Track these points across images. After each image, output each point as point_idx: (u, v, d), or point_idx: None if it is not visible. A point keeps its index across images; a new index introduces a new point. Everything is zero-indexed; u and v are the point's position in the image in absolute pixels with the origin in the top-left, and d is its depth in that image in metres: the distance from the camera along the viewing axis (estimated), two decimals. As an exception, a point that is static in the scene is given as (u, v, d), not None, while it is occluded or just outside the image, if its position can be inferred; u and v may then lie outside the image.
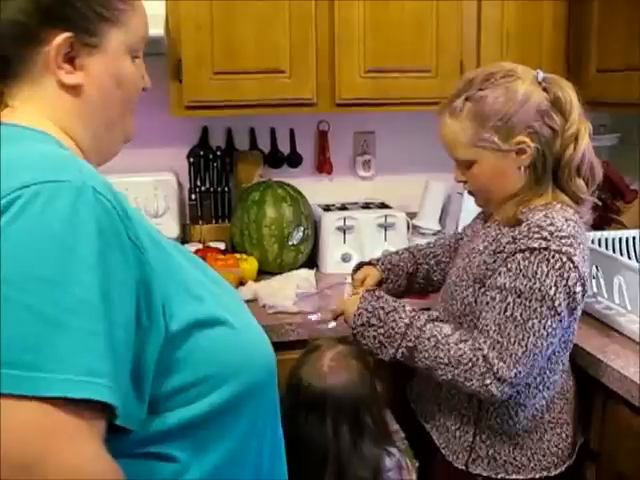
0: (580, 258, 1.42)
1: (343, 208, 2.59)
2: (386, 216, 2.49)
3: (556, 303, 1.40)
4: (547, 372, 1.55)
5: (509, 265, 1.45)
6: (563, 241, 1.41)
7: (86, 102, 1.02)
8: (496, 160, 1.50)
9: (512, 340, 1.42)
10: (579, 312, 1.50)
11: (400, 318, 1.54)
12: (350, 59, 2.26)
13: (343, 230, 2.47)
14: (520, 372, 1.42)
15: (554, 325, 1.41)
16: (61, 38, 0.95)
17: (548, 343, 1.42)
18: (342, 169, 2.75)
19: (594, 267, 1.92)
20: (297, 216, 2.39)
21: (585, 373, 1.73)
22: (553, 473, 1.59)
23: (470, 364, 1.44)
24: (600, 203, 2.32)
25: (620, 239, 2.09)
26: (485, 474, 1.58)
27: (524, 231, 1.45)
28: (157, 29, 2.06)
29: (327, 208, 2.58)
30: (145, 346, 0.89)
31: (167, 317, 0.92)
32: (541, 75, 1.50)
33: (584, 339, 1.78)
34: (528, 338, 1.41)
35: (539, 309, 1.40)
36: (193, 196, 2.58)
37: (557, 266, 1.39)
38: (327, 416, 1.51)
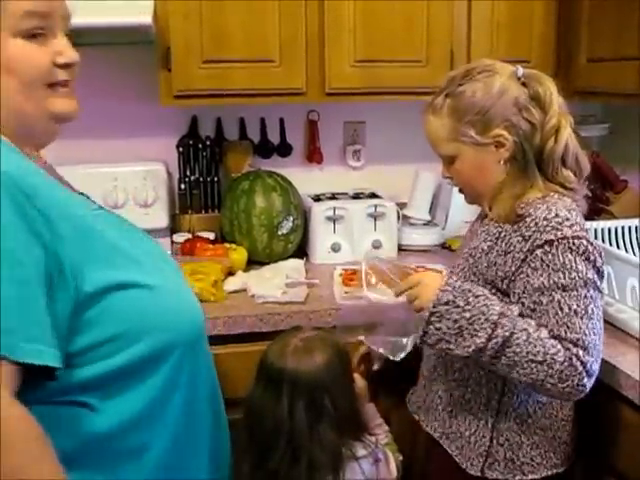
0: (593, 240, 1.44)
1: (333, 198, 2.58)
2: (376, 206, 2.49)
3: (597, 283, 1.42)
4: None
5: (532, 264, 1.43)
6: (574, 227, 1.42)
7: None
8: (475, 154, 1.52)
9: (587, 332, 1.39)
10: None
11: (492, 305, 1.42)
12: (340, 48, 2.25)
13: (333, 220, 2.46)
14: (599, 360, 1.42)
15: (600, 304, 1.43)
16: None
17: (601, 324, 1.43)
18: (332, 159, 2.74)
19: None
20: (287, 206, 2.38)
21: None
22: (560, 469, 1.58)
23: (566, 363, 1.38)
24: (590, 194, 2.34)
25: (610, 229, 2.09)
26: (502, 477, 1.55)
27: (533, 227, 1.44)
28: (145, 17, 2.04)
29: (317, 198, 2.57)
30: (57, 304, 1.01)
31: (78, 280, 1.04)
32: (521, 71, 1.51)
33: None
34: (597, 324, 1.41)
35: (588, 294, 1.40)
36: (182, 186, 2.57)
37: (581, 250, 1.40)
38: (283, 393, 1.51)
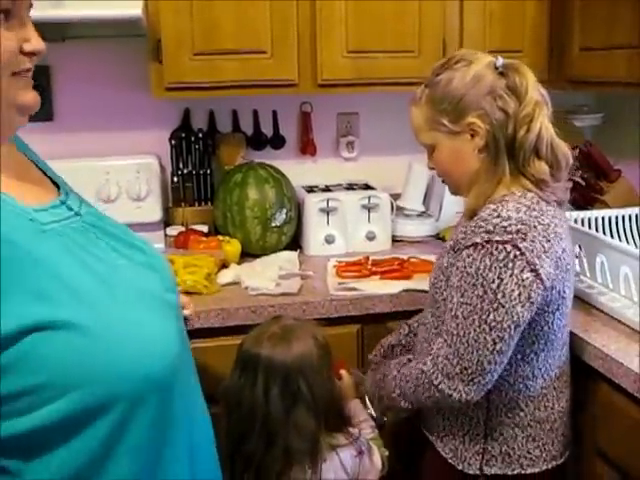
0: (530, 244, 1.39)
1: (326, 189, 2.58)
2: (370, 197, 2.48)
3: (499, 295, 1.38)
4: (555, 361, 1.55)
5: (458, 263, 1.46)
6: (509, 229, 1.40)
7: None
8: (451, 143, 1.54)
9: (454, 338, 1.43)
10: (551, 299, 1.46)
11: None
12: (332, 39, 2.24)
13: (326, 212, 2.45)
14: (468, 368, 1.42)
15: (498, 318, 1.39)
16: None
17: (495, 336, 1.40)
18: (326, 150, 2.74)
19: (577, 246, 1.92)
20: (280, 198, 2.37)
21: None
22: (560, 461, 1.59)
23: (420, 375, 1.50)
24: (582, 182, 2.35)
25: (603, 218, 2.09)
26: (501, 472, 1.56)
27: (472, 226, 1.47)
28: (136, 10, 2.04)
29: (310, 189, 2.56)
30: None
31: None
32: (500, 61, 1.51)
33: (566, 318, 1.79)
34: (469, 334, 1.41)
35: (479, 305, 1.40)
36: (175, 179, 2.56)
37: (501, 257, 1.39)
38: (259, 379, 1.53)
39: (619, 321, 1.76)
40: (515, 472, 1.56)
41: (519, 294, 1.39)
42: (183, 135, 2.55)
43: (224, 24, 2.15)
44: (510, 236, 1.39)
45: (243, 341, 1.60)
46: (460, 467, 1.58)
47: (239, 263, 2.30)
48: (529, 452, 1.56)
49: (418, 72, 2.23)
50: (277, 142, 2.67)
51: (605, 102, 2.69)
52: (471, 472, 1.57)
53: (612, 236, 2.05)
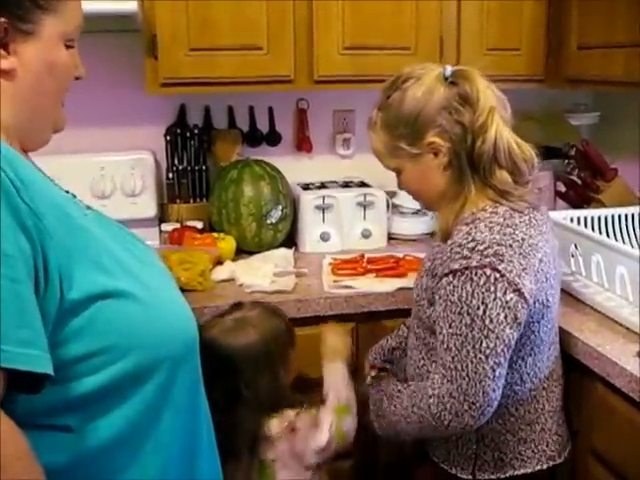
0: (508, 264, 1.37)
1: (322, 187, 2.57)
2: (365, 195, 2.47)
3: (487, 321, 1.36)
4: (544, 364, 1.54)
5: (440, 291, 1.43)
6: (485, 252, 1.37)
7: (19, 87, 1.04)
8: (415, 166, 1.50)
9: (454, 374, 1.39)
10: (534, 311, 1.44)
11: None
12: (328, 35, 2.23)
13: (322, 209, 2.45)
14: (475, 402, 1.39)
15: (491, 345, 1.37)
16: None
17: (493, 363, 1.38)
18: (322, 147, 2.73)
19: (572, 245, 1.92)
20: (275, 195, 2.36)
21: (562, 351, 1.72)
22: (559, 461, 1.59)
23: (425, 416, 1.45)
24: (580, 181, 2.34)
25: (599, 217, 2.09)
26: (494, 477, 1.55)
27: (447, 252, 1.43)
28: (131, 4, 2.03)
29: (306, 187, 2.55)
30: (41, 308, 0.92)
31: (64, 284, 0.95)
32: (449, 70, 1.46)
33: (561, 317, 1.77)
34: (467, 367, 1.38)
35: (470, 334, 1.37)
36: (170, 175, 2.55)
37: (482, 282, 1.36)
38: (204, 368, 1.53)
39: (615, 321, 1.75)
40: (507, 474, 1.55)
41: (505, 316, 1.36)
42: (178, 131, 2.54)
43: (220, 20, 2.14)
44: (488, 260, 1.36)
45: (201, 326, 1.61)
46: (453, 471, 1.57)
47: (234, 260, 2.29)
48: (520, 454, 1.55)
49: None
50: (273, 139, 2.65)
51: (602, 101, 2.68)
52: (464, 476, 1.56)
53: (608, 235, 2.04)
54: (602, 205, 2.30)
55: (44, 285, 0.93)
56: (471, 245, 1.39)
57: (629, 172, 2.45)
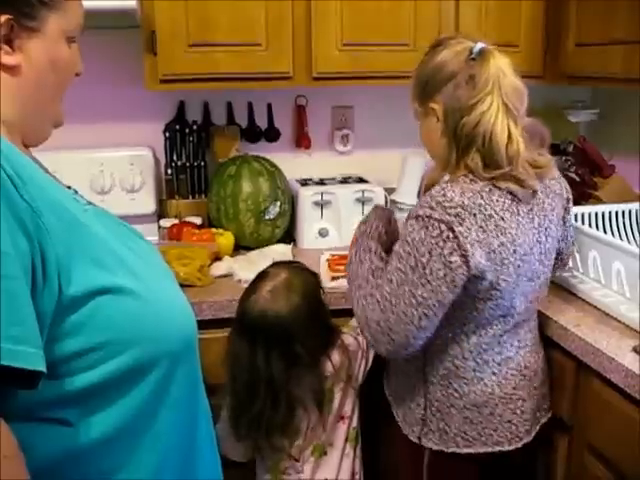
0: (465, 229, 1.41)
1: (321, 183, 2.57)
2: (364, 191, 2.48)
3: (426, 271, 1.42)
4: (494, 348, 1.56)
5: (403, 230, 1.50)
6: (449, 211, 1.42)
7: (22, 83, 1.05)
8: (424, 123, 1.59)
9: (387, 305, 1.46)
10: (480, 289, 1.47)
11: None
12: (327, 32, 2.23)
13: (320, 205, 2.45)
14: (394, 340, 1.46)
15: (425, 295, 1.43)
16: (2, 20, 0.99)
17: (422, 312, 1.43)
18: (320, 144, 2.73)
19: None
20: (274, 190, 2.37)
21: (558, 346, 1.73)
22: (507, 448, 1.60)
23: (358, 306, 1.55)
24: (577, 178, 2.35)
25: (597, 214, 2.09)
26: (436, 448, 1.60)
27: (420, 200, 1.50)
28: (130, 1, 2.02)
29: (304, 183, 2.56)
30: (38, 305, 0.93)
31: (63, 281, 0.96)
32: (477, 48, 1.49)
33: (558, 312, 1.79)
34: (399, 305, 1.44)
35: (411, 276, 1.43)
36: (169, 171, 2.55)
37: (434, 234, 1.41)
38: (258, 344, 1.66)
39: (611, 317, 1.76)
40: (450, 450, 1.59)
41: (445, 275, 1.42)
42: (177, 127, 2.54)
43: (219, 16, 2.14)
44: (448, 217, 1.41)
45: (240, 306, 1.74)
46: (406, 432, 1.65)
47: (232, 256, 2.29)
48: (466, 433, 1.59)
49: (413, 65, 2.20)
50: (272, 135, 2.66)
51: (601, 98, 2.69)
52: (412, 439, 1.63)
53: (605, 232, 2.05)
54: (600, 201, 2.31)
55: (42, 282, 0.93)
56: (440, 199, 1.44)
57: (627, 169, 2.46)
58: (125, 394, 1.06)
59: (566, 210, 1.67)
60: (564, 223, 1.68)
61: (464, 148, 1.48)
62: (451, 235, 1.40)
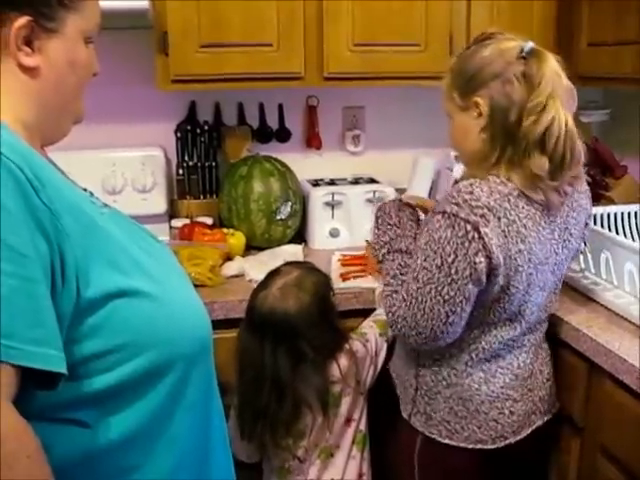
0: (490, 230, 1.41)
1: (332, 183, 2.58)
2: (375, 191, 2.48)
3: (452, 271, 1.43)
4: (482, 343, 1.56)
5: (428, 225, 1.49)
6: (475, 211, 1.41)
7: (42, 84, 1.06)
8: (461, 117, 1.55)
9: (413, 302, 1.48)
10: (496, 287, 1.47)
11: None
12: (338, 32, 2.23)
13: (331, 205, 2.45)
14: (422, 334, 1.48)
15: (451, 293, 1.44)
16: (22, 21, 1.00)
17: (448, 309, 1.45)
18: (331, 144, 2.73)
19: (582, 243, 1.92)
20: (285, 191, 2.37)
21: (570, 347, 1.73)
22: (489, 447, 1.60)
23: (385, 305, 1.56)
24: (589, 179, 2.33)
25: (609, 215, 2.09)
26: (421, 429, 1.63)
27: (447, 195, 1.48)
28: (142, 1, 2.03)
29: (315, 183, 2.56)
30: (57, 307, 0.93)
31: (81, 283, 0.96)
32: (528, 47, 1.47)
33: (569, 313, 1.79)
34: (426, 303, 1.46)
35: (437, 275, 1.44)
36: (181, 171, 2.56)
37: (460, 234, 1.41)
38: (265, 340, 1.69)
39: (623, 318, 1.75)
40: (433, 436, 1.61)
41: (470, 274, 1.43)
42: (189, 127, 2.55)
43: (231, 16, 2.14)
44: (474, 217, 1.41)
45: (250, 301, 1.76)
46: (401, 407, 1.69)
47: (244, 256, 2.30)
48: (449, 423, 1.60)
49: (424, 66, 2.25)
50: (283, 135, 2.66)
51: (613, 98, 2.68)
52: (404, 415, 1.67)
53: (617, 232, 2.04)
54: (611, 202, 2.30)
55: (61, 284, 0.94)
56: (467, 197, 1.43)
57: (639, 169, 2.44)
58: (142, 396, 1.07)
59: (586, 225, 1.67)
60: (582, 237, 1.67)
61: (526, 150, 1.44)
62: (477, 236, 1.40)
